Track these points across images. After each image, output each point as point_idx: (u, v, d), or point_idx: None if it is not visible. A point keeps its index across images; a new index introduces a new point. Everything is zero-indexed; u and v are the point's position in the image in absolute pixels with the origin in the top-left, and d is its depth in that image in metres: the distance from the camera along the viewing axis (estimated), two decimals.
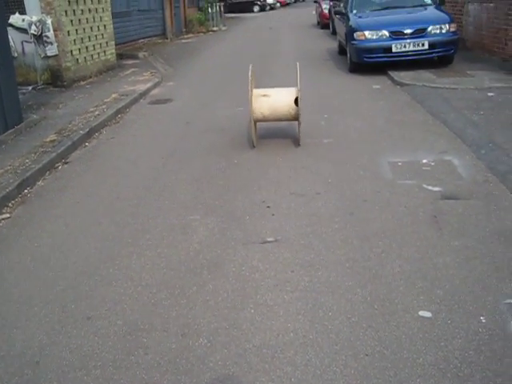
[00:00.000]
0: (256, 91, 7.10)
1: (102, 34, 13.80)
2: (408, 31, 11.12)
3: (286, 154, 6.77)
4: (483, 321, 3.31)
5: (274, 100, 7.01)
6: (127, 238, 4.82)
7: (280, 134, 7.70)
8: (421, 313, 3.43)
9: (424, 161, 6.14)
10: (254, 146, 7.18)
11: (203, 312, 3.63)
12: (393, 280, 3.83)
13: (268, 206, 5.25)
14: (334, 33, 18.35)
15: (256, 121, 7.22)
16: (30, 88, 11.31)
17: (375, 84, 10.72)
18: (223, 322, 3.50)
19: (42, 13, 11.29)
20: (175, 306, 3.72)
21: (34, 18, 11.16)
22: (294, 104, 6.92)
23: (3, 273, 4.40)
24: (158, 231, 4.90)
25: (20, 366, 3.25)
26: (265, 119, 7.22)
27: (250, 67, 6.94)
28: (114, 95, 10.74)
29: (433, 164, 6.04)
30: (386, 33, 11.25)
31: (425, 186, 5.44)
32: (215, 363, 3.14)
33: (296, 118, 7.04)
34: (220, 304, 3.71)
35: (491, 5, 12.16)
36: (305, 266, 4.11)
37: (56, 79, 11.70)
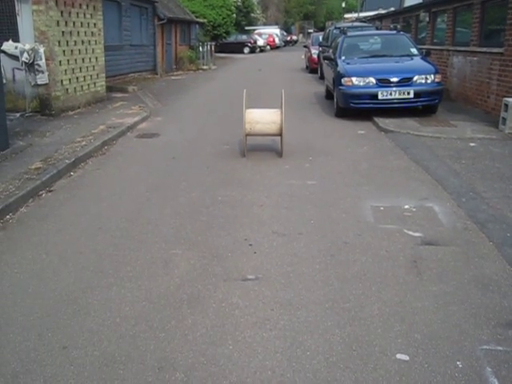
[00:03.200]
0: (248, 110, 8.47)
1: (94, 66, 13.94)
2: (394, 79, 11.38)
3: (269, 194, 6.83)
4: (460, 366, 3.33)
5: (261, 118, 8.50)
6: (108, 268, 4.80)
7: (265, 171, 7.78)
8: (398, 356, 3.45)
9: (406, 206, 6.23)
10: (244, 156, 8.64)
11: (181, 346, 3.61)
12: (371, 322, 3.85)
13: (250, 244, 5.28)
14: (322, 77, 18.72)
15: (247, 134, 8.58)
16: (18, 115, 11.33)
17: (360, 129, 10.91)
18: (201, 357, 3.49)
19: (36, 41, 11.41)
20: (153, 339, 3.70)
21: (27, 46, 11.26)
22: (278, 121, 8.37)
23: None
24: (139, 264, 4.89)
25: None
26: (254, 133, 8.62)
27: (244, 91, 8.37)
28: (101, 127, 10.80)
29: (414, 210, 6.13)
30: (372, 80, 11.49)
31: (406, 231, 5.52)
32: None
33: (279, 133, 8.47)
34: (198, 339, 3.70)
35: (475, 59, 12.54)
36: (284, 305, 4.12)
37: (45, 108, 11.75)
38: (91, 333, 3.79)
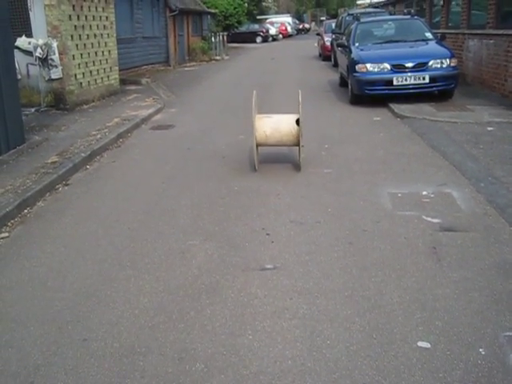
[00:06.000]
0: (259, 116, 7.26)
1: (107, 59, 13.95)
2: (409, 65, 11.25)
3: (286, 183, 6.79)
4: (482, 353, 3.29)
5: (276, 125, 7.16)
6: (126, 260, 4.81)
7: (281, 160, 7.74)
8: (419, 343, 3.41)
9: (424, 192, 6.17)
10: (255, 170, 7.30)
11: (201, 337, 3.61)
12: (391, 310, 3.82)
13: (267, 234, 5.25)
14: (336, 65, 18.58)
15: (258, 144, 7.31)
16: (33, 110, 11.38)
17: (376, 116, 10.81)
18: (221, 348, 3.48)
19: (49, 36, 11.44)
20: (172, 330, 3.70)
21: (40, 41, 11.30)
22: (294, 129, 7.05)
23: (0, 292, 4.38)
24: (156, 255, 4.89)
25: None
26: (267, 143, 7.32)
27: (254, 93, 7.14)
28: (116, 120, 10.81)
29: (432, 196, 6.06)
30: (387, 66, 11.38)
31: (424, 217, 5.46)
32: None
33: (297, 143, 7.16)
34: (218, 329, 3.69)
35: (491, 41, 12.34)
36: (303, 294, 4.10)
37: (59, 102, 11.79)
38: (111, 325, 3.80)
